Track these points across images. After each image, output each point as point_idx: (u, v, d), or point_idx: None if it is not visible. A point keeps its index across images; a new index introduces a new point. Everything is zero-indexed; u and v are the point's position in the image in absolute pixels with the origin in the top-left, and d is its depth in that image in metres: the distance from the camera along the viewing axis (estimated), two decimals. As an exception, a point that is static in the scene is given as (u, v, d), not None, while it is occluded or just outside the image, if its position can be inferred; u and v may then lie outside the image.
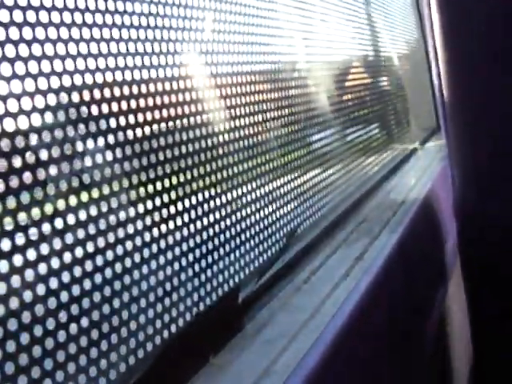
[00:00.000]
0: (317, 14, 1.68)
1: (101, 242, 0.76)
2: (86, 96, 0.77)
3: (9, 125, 0.65)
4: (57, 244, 0.70)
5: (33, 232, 0.67)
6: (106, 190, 0.78)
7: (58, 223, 0.70)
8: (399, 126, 2.52)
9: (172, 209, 0.91)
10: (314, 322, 1.04)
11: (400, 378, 1.38)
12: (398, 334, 1.43)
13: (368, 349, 1.18)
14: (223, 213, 1.04)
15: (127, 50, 0.85)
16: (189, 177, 0.95)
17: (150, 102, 0.89)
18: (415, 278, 1.65)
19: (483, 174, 1.78)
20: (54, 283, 0.69)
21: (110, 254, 0.78)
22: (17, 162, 0.66)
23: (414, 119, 2.75)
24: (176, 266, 0.90)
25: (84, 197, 0.75)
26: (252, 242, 1.12)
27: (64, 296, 0.70)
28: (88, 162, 0.76)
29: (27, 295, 0.66)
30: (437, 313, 1.85)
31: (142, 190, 0.85)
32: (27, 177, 0.67)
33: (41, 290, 0.67)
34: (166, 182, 0.89)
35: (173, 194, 0.91)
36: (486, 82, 1.73)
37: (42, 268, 0.68)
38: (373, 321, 1.22)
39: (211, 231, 1.00)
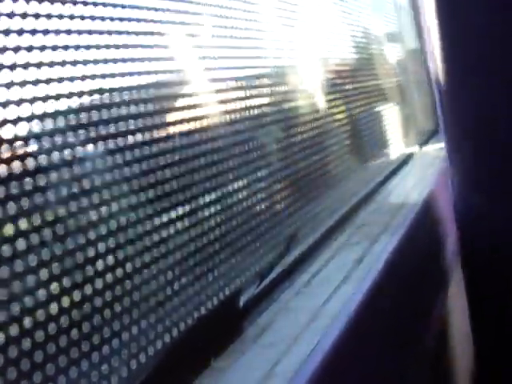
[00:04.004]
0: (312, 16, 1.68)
1: (102, 248, 0.77)
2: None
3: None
4: (58, 249, 0.70)
5: (34, 237, 0.67)
6: (106, 195, 0.79)
7: (59, 228, 0.71)
8: (399, 127, 2.52)
9: (173, 214, 0.91)
10: (314, 326, 1.04)
11: (402, 380, 1.38)
12: (399, 336, 1.43)
13: (369, 351, 1.18)
14: (224, 218, 1.04)
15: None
16: (189, 182, 0.95)
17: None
18: (415, 280, 1.65)
19: (483, 176, 1.78)
20: (55, 288, 0.69)
21: (110, 259, 0.78)
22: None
23: (413, 121, 2.75)
24: (177, 270, 0.90)
25: (84, 202, 0.75)
26: (252, 247, 1.12)
27: (65, 301, 0.70)
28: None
29: (28, 301, 0.66)
30: (438, 315, 1.85)
31: (142, 195, 0.85)
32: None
33: (42, 295, 0.68)
34: (167, 188, 0.90)
35: (173, 199, 0.91)
36: (485, 85, 1.73)
37: (43, 273, 0.68)
38: (373, 324, 1.22)
39: (212, 236, 1.00)
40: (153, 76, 0.92)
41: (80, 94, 0.76)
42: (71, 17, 0.77)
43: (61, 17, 0.75)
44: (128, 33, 0.87)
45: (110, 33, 0.84)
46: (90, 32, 0.79)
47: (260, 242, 1.15)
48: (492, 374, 1.85)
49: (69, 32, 0.76)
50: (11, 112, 0.66)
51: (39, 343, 0.66)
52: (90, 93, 0.78)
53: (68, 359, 0.70)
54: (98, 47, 0.81)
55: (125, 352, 0.79)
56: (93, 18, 0.80)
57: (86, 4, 0.79)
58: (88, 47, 0.79)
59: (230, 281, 1.04)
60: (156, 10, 0.96)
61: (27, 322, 0.65)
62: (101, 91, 0.80)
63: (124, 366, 0.78)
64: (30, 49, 0.70)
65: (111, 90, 0.82)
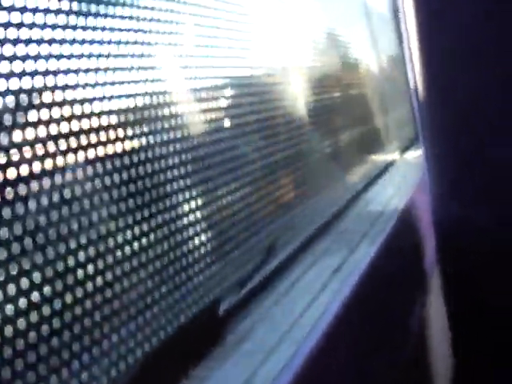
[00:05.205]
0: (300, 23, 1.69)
1: (81, 257, 0.77)
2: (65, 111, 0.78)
3: None
4: (44, 257, 0.71)
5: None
6: (87, 204, 0.79)
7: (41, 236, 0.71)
8: (378, 135, 2.53)
9: (152, 223, 0.91)
10: (292, 335, 1.05)
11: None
12: (378, 344, 1.44)
13: (347, 359, 1.19)
14: (204, 226, 1.05)
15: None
16: (169, 191, 0.96)
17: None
18: (394, 288, 1.66)
19: (460, 183, 1.80)
20: (35, 298, 0.70)
21: (90, 269, 0.78)
22: None
23: (392, 129, 2.77)
24: (157, 279, 0.91)
25: (62, 211, 0.75)
26: (232, 255, 1.13)
27: (45, 310, 0.71)
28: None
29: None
30: (416, 323, 1.86)
31: (121, 204, 0.85)
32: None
33: (22, 302, 0.68)
34: (146, 197, 0.90)
35: (153, 208, 0.91)
36: (463, 92, 1.74)
37: (24, 282, 0.68)
38: (352, 332, 1.23)
39: (191, 245, 1.01)
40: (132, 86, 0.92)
41: (59, 104, 0.77)
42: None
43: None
44: (108, 42, 0.88)
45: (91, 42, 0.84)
46: (71, 42, 0.80)
47: (240, 250, 1.16)
48: (470, 377, 1.87)
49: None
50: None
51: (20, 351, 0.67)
52: (70, 102, 0.79)
53: (47, 367, 0.70)
54: (80, 56, 0.81)
55: (104, 360, 0.79)
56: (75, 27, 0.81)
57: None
58: (70, 57, 0.79)
59: (210, 289, 1.04)
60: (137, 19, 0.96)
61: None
62: (79, 101, 0.81)
63: (104, 375, 0.79)
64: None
65: (88, 100, 0.82)
